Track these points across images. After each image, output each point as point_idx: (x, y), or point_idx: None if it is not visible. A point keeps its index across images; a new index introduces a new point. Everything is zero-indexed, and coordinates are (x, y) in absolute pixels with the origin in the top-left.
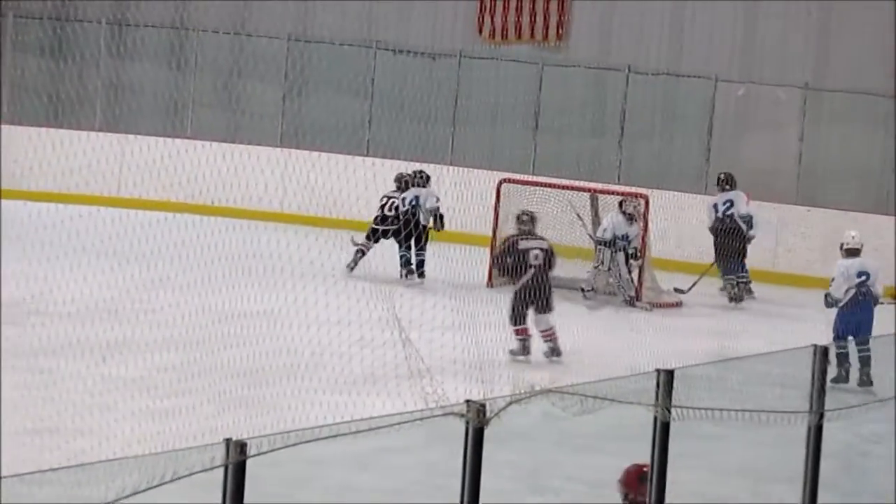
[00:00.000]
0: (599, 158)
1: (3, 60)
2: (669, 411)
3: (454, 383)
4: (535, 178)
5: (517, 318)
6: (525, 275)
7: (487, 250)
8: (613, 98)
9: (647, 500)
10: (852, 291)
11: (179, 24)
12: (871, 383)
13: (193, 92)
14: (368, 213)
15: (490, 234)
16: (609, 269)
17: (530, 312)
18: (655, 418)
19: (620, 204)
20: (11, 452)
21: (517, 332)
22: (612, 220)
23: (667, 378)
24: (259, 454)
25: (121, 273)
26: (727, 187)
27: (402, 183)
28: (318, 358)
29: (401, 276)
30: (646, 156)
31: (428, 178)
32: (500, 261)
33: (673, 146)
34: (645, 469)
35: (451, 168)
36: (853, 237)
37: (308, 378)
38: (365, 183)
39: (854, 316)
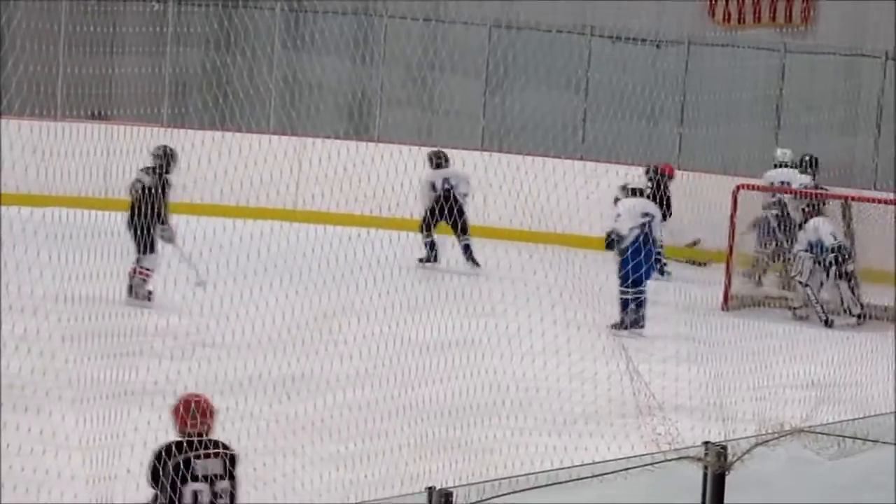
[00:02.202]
0: (853, 160)
1: (166, 54)
2: None
3: (689, 422)
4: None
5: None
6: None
7: (723, 267)
8: (868, 90)
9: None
10: (636, 231)
11: (365, 11)
12: (643, 325)
13: (381, 88)
14: (583, 224)
15: (726, 248)
16: (806, 283)
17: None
18: None
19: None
20: None
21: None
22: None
23: None
24: None
25: (302, 299)
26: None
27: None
28: (529, 394)
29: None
30: None
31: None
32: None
33: None
34: (193, 399)
35: (679, 172)
36: (638, 177)
37: (517, 417)
38: (579, 189)
39: (639, 259)
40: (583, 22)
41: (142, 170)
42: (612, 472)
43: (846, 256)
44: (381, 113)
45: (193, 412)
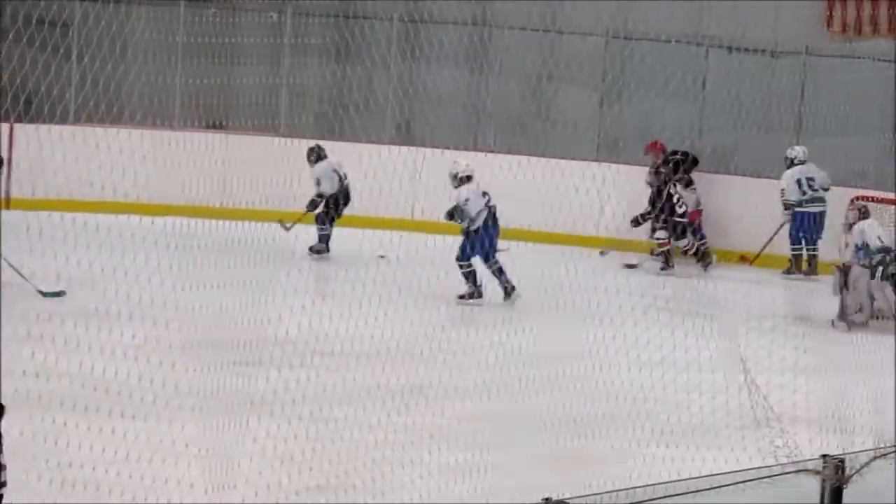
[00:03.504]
0: None
1: (283, 65)
2: None
3: (807, 435)
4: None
5: None
6: None
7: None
8: None
9: None
10: (484, 212)
11: (483, 21)
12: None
13: (497, 99)
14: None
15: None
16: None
17: None
18: None
19: None
20: None
21: None
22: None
23: None
24: None
25: (420, 309)
26: None
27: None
28: (646, 405)
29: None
30: None
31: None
32: None
33: None
34: None
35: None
36: (466, 165)
37: (632, 428)
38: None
39: (489, 236)
40: (699, 32)
41: None
42: (730, 485)
43: (892, 259)
44: (496, 123)
45: None
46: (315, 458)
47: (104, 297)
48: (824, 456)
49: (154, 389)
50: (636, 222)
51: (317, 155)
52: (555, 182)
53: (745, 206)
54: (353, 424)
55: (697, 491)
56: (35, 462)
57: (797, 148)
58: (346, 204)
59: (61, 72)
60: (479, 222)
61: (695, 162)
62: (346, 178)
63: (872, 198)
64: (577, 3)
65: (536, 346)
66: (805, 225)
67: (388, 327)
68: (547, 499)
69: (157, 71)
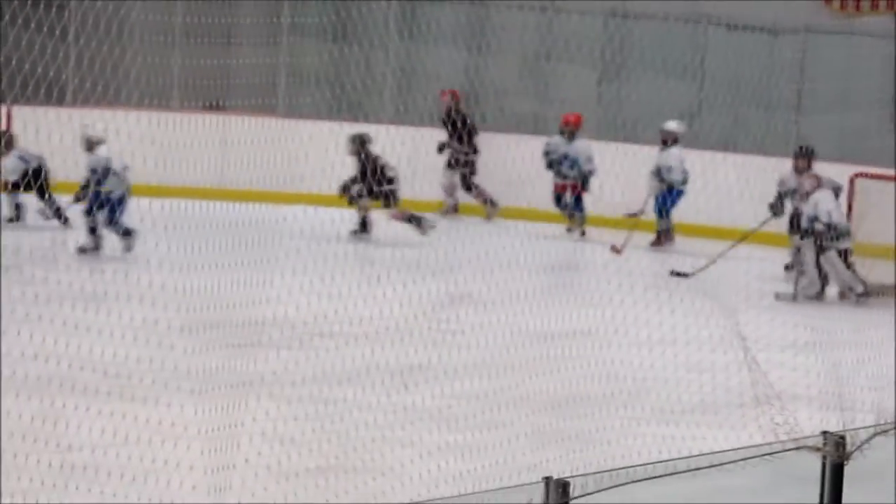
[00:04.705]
0: None
1: (282, 45)
2: None
3: (808, 412)
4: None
5: None
6: None
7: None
8: None
9: None
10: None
11: (480, 0)
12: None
13: (495, 78)
14: (700, 214)
15: None
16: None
17: None
18: None
19: None
20: (296, 495)
21: None
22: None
23: None
24: (584, 495)
25: (419, 288)
26: None
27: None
28: (644, 384)
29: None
30: None
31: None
32: None
33: None
34: None
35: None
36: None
37: (632, 407)
38: (696, 179)
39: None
40: (698, 10)
41: None
42: (730, 462)
43: (836, 236)
44: (495, 102)
45: None
46: (315, 439)
47: (102, 278)
48: (825, 433)
49: (153, 371)
50: (344, 190)
51: (6, 143)
52: None
53: (745, 184)
54: (352, 405)
55: (698, 469)
56: (35, 445)
57: (680, 124)
58: (46, 178)
59: (57, 53)
60: (124, 186)
61: (470, 129)
62: (37, 159)
63: (874, 174)
64: None
65: (536, 326)
66: (674, 202)
67: (386, 307)
68: (548, 478)
69: (154, 52)
